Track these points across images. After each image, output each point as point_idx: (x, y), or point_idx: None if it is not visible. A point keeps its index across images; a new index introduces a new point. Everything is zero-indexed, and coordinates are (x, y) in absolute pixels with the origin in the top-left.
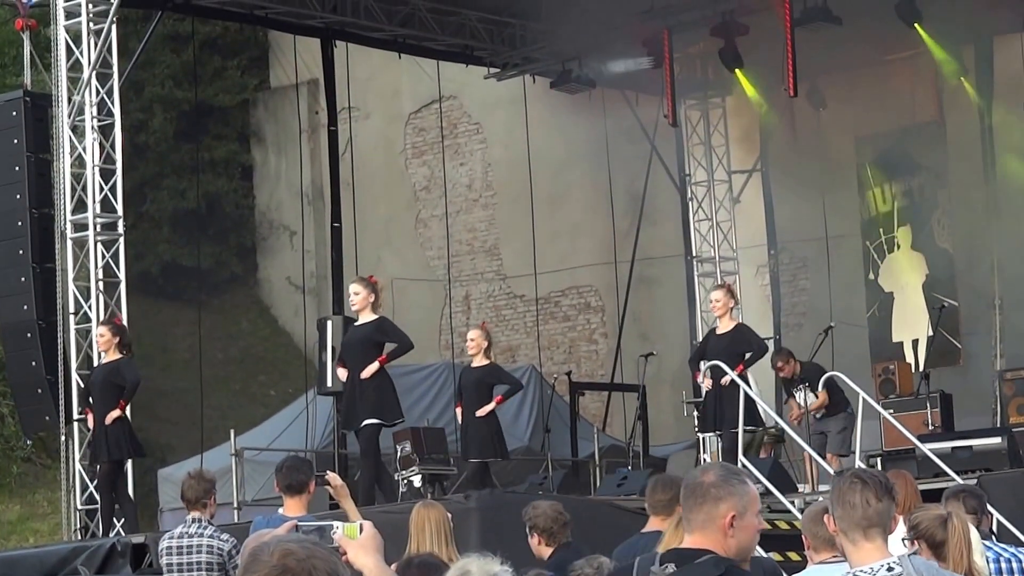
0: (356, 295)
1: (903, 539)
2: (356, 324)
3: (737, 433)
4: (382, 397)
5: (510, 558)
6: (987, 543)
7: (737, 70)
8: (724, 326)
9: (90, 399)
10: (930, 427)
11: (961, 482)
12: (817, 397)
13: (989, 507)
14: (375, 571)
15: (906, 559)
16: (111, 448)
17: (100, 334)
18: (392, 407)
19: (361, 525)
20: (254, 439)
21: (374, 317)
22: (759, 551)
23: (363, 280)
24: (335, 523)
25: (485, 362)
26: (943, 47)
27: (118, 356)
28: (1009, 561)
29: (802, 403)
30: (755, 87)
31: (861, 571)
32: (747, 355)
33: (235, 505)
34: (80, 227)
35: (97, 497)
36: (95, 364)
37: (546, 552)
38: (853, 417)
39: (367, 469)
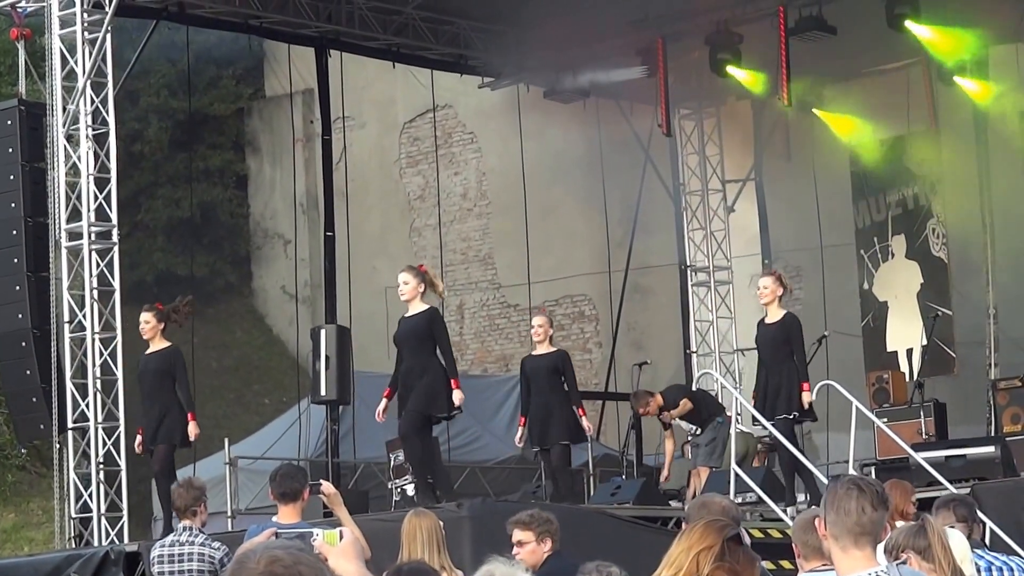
0: (405, 284)
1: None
2: (407, 316)
3: (784, 420)
4: (431, 389)
5: None
6: (979, 551)
7: (729, 67)
8: (772, 315)
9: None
10: (924, 436)
11: (953, 491)
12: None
13: (981, 515)
14: None
15: (893, 568)
16: (171, 432)
17: (145, 320)
18: (438, 400)
19: (341, 531)
20: (248, 448)
21: (425, 307)
22: None
23: (412, 269)
24: (315, 530)
25: (552, 349)
26: (938, 56)
27: (166, 344)
28: (1001, 570)
29: (682, 427)
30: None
31: None
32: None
33: (229, 514)
34: (75, 236)
35: (92, 506)
36: (90, 371)
37: (542, 559)
38: (722, 427)
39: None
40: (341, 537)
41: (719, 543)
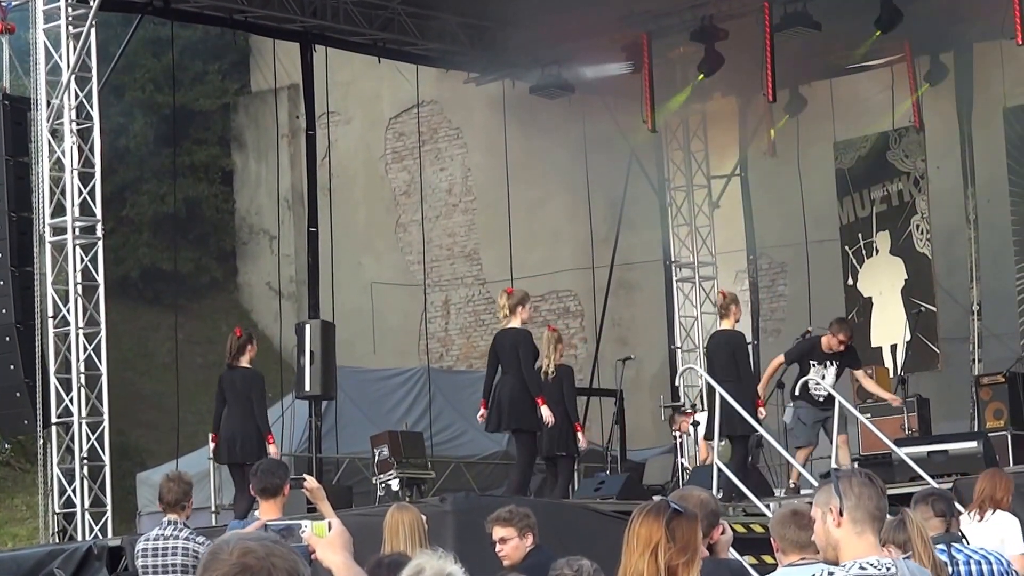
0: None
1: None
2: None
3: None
4: None
5: (485, 561)
6: (957, 545)
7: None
8: None
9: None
10: (907, 432)
11: (934, 485)
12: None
13: (960, 508)
14: (343, 568)
15: (901, 562)
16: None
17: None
18: None
19: (329, 523)
20: None
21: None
22: (733, 553)
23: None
24: (304, 522)
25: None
26: (922, 53)
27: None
28: (979, 563)
29: (826, 376)
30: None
31: (868, 563)
32: None
33: (213, 509)
34: (59, 231)
35: (76, 501)
36: (74, 366)
37: (525, 553)
38: (799, 410)
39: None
40: (329, 528)
41: (663, 532)
